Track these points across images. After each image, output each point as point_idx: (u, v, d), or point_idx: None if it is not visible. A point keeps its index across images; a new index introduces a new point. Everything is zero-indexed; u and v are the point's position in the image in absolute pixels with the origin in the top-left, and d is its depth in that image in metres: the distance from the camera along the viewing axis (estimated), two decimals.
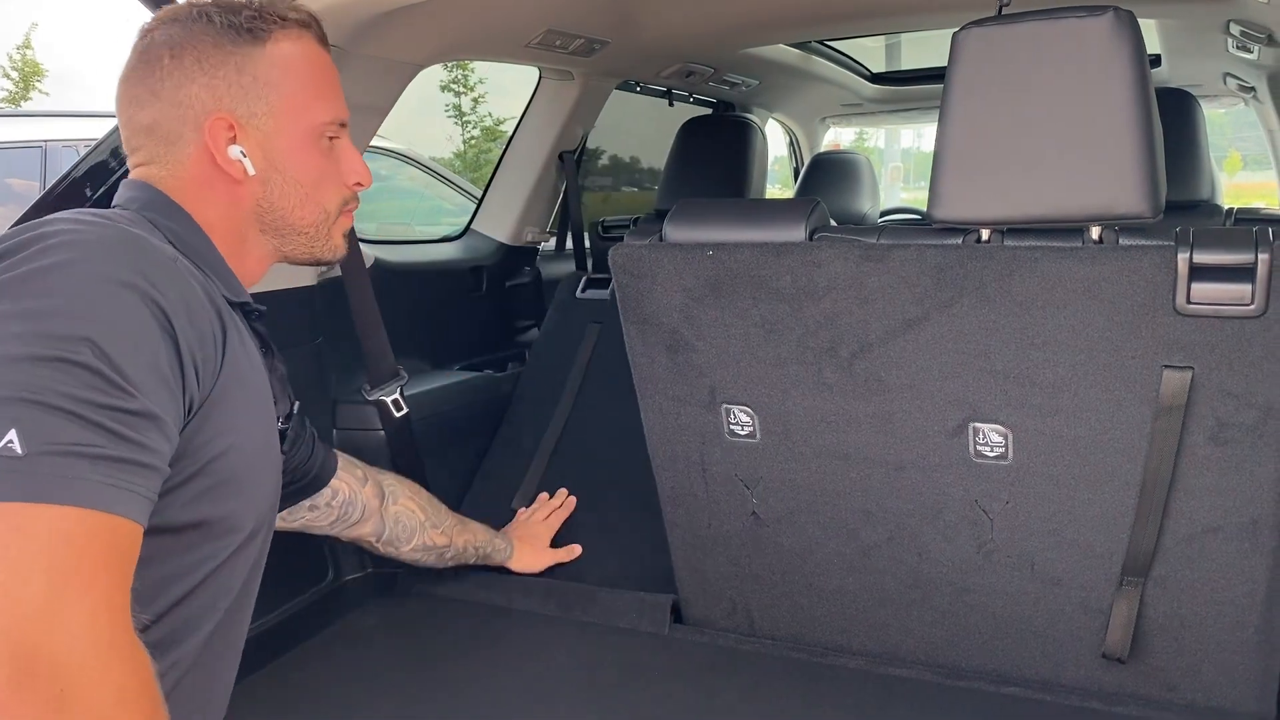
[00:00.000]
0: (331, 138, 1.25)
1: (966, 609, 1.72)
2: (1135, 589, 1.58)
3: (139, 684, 0.83)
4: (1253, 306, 1.34)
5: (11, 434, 0.81)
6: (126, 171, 1.23)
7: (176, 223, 1.16)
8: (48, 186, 1.74)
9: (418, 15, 1.88)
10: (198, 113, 1.15)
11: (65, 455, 0.82)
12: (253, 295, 1.24)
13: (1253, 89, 3.22)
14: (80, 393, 0.85)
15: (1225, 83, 3.35)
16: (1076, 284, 1.42)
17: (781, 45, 3.19)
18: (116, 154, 1.65)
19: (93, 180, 1.66)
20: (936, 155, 1.46)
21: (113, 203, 1.18)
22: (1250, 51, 2.59)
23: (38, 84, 18.76)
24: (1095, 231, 1.42)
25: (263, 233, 1.23)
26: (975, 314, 1.50)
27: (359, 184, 1.29)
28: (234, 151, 1.17)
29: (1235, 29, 2.46)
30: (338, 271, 2.04)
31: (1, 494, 0.79)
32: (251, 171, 1.18)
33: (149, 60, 1.16)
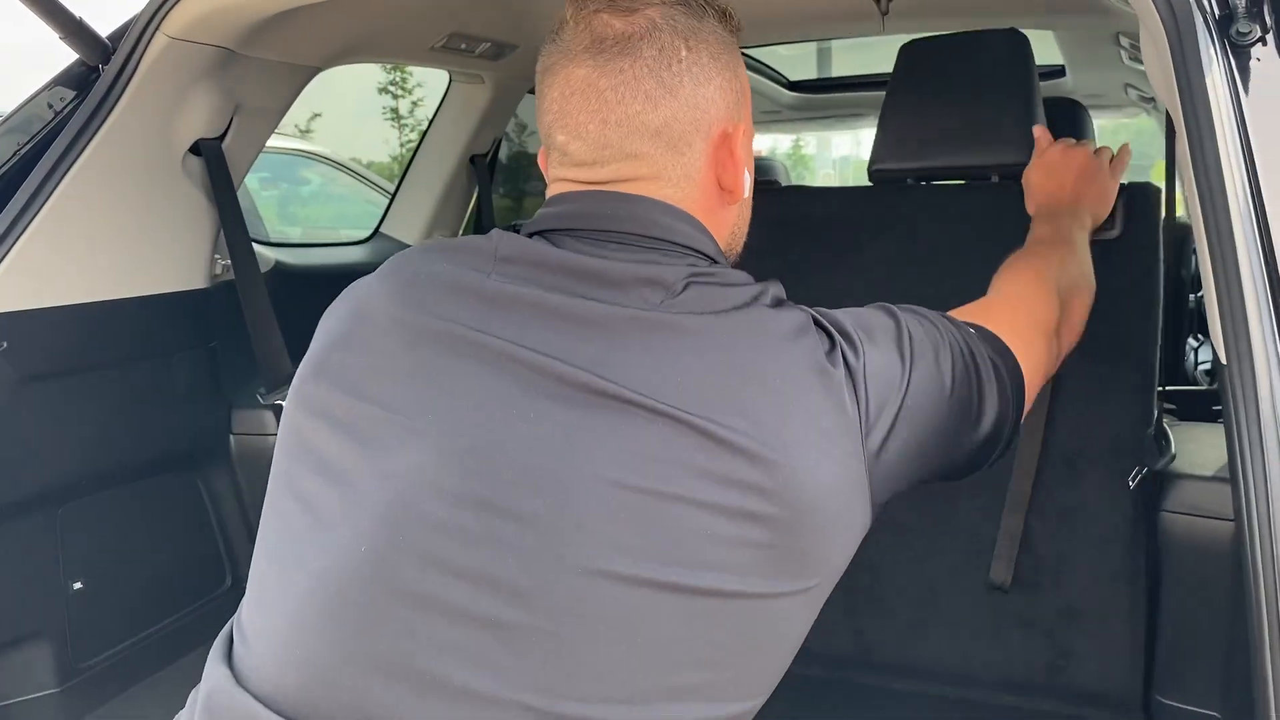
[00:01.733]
0: None
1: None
2: (1019, 517, 1.66)
3: None
4: (1115, 231, 1.65)
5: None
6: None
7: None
8: None
9: (313, 16, 1.85)
10: (711, 119, 0.97)
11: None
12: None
13: (1152, 99, 3.32)
14: None
15: (1127, 93, 3.45)
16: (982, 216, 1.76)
17: None
18: None
19: None
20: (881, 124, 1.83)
21: (668, 238, 0.95)
22: (1142, 63, 2.67)
23: None
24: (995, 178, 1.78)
25: None
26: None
27: None
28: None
29: (1124, 41, 2.54)
30: (231, 275, 2.01)
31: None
32: (747, 193, 1.03)
33: (661, 49, 0.95)
